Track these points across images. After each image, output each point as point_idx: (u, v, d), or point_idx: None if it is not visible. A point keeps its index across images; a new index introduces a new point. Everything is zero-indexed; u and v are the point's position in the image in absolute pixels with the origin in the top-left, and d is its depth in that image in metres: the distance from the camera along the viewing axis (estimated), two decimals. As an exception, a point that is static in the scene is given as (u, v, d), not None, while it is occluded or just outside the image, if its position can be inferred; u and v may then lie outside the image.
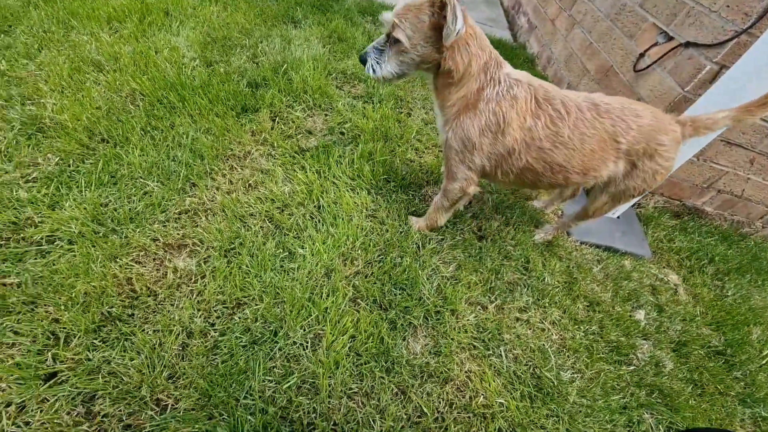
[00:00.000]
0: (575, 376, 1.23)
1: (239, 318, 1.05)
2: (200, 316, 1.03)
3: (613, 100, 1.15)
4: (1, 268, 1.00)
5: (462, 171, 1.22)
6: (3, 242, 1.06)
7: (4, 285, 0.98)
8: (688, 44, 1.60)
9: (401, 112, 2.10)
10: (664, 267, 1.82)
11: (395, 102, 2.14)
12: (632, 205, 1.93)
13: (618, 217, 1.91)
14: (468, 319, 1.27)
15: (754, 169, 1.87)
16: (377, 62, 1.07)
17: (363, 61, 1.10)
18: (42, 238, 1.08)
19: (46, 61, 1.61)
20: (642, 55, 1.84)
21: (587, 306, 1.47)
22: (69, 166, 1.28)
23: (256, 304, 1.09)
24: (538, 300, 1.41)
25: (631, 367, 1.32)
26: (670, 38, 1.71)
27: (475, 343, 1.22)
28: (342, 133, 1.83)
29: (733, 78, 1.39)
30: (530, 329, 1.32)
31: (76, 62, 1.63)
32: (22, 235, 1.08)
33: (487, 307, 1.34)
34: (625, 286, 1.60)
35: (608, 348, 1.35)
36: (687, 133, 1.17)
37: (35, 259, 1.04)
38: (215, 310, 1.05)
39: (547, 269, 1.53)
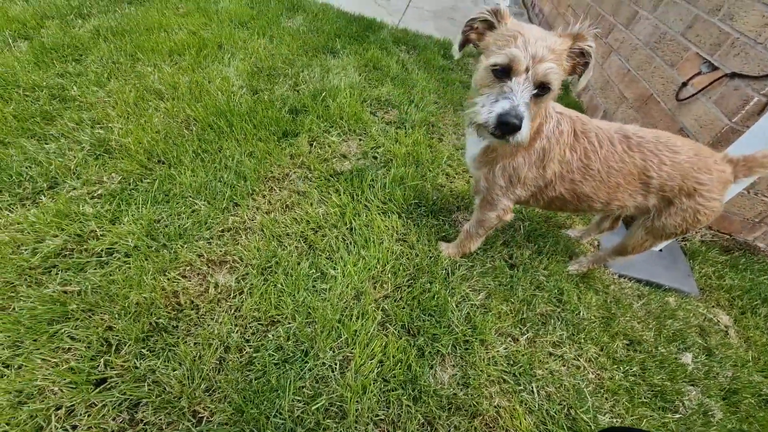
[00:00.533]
0: (614, 420, 1.15)
1: (273, 335, 1.09)
2: (237, 332, 1.07)
3: (648, 133, 1.12)
4: (64, 277, 1.10)
5: (503, 202, 1.21)
6: (68, 252, 1.17)
7: (66, 292, 1.07)
8: (734, 75, 1.55)
9: (433, 138, 2.14)
10: (713, 306, 1.69)
11: (427, 128, 2.19)
12: (676, 239, 1.83)
13: (660, 251, 1.81)
14: (498, 351, 1.24)
15: (816, 204, 1.73)
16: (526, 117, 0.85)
17: (519, 121, 0.83)
18: (102, 250, 1.19)
19: (115, 89, 1.81)
20: (685, 84, 1.79)
21: (627, 344, 1.39)
22: (129, 184, 1.40)
23: (289, 323, 1.13)
24: (573, 335, 1.35)
25: (677, 415, 1.22)
26: (715, 68, 1.67)
27: (505, 377, 1.19)
28: (375, 158, 1.89)
29: (786, 110, 1.33)
30: (564, 366, 1.27)
31: (140, 91, 1.82)
32: (85, 246, 1.19)
33: (518, 339, 1.30)
34: (669, 325, 1.51)
35: (651, 392, 1.26)
36: (741, 173, 1.11)
37: (95, 269, 1.14)
38: (251, 327, 1.10)
39: (582, 302, 1.47)
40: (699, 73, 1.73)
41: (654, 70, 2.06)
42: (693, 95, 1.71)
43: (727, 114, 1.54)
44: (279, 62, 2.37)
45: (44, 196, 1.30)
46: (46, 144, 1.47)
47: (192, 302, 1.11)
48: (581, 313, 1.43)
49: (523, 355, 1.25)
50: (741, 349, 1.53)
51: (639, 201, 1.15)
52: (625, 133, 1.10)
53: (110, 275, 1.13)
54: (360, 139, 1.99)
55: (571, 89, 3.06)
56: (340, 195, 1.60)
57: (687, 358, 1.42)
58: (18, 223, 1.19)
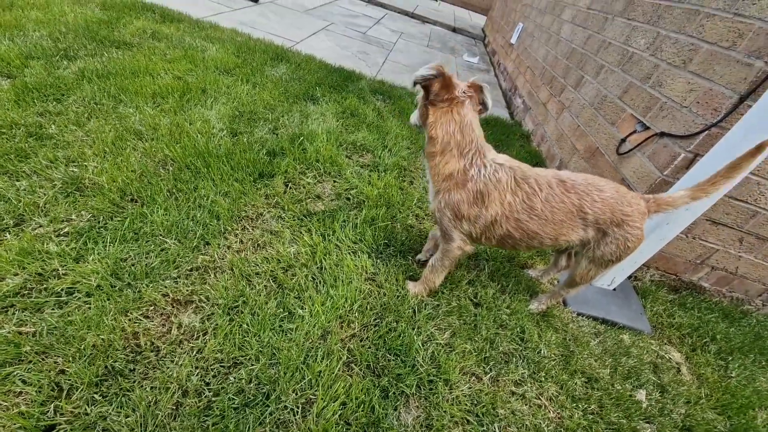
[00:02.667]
0: (573, 460, 1.17)
1: (234, 378, 1.08)
2: (197, 375, 1.06)
3: (578, 177, 1.33)
4: (21, 317, 1.07)
5: (456, 234, 1.36)
6: (27, 292, 1.14)
7: (21, 333, 1.04)
8: (663, 134, 1.78)
9: (404, 181, 2.27)
10: (665, 343, 1.80)
11: (399, 171, 2.32)
12: (628, 278, 1.97)
13: (614, 290, 1.94)
14: (462, 390, 1.27)
15: (744, 248, 1.93)
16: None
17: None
18: (63, 290, 1.17)
19: (94, 128, 1.85)
20: (623, 141, 2.03)
21: (585, 382, 1.45)
22: (99, 222, 1.41)
23: (252, 364, 1.12)
24: (534, 373, 1.40)
25: (634, 454, 1.26)
26: (647, 127, 1.91)
27: (468, 417, 1.20)
28: (348, 199, 1.98)
29: (706, 165, 1.53)
30: (526, 405, 1.30)
31: (120, 131, 1.87)
32: (45, 285, 1.17)
33: (481, 378, 1.33)
34: (624, 362, 1.58)
35: (609, 430, 1.31)
36: (651, 208, 1.34)
37: (53, 309, 1.12)
38: (212, 369, 1.08)
39: (543, 341, 1.54)
40: (634, 132, 1.98)
41: (599, 127, 2.33)
42: (630, 150, 1.94)
43: (659, 167, 1.75)
44: (260, 107, 2.50)
45: (9, 234, 1.29)
46: (17, 181, 1.47)
47: (152, 344, 1.09)
48: (542, 351, 1.49)
49: (486, 395, 1.28)
50: (693, 386, 1.61)
51: (581, 234, 1.33)
52: (560, 178, 1.30)
53: (68, 315, 1.10)
54: (334, 181, 2.08)
55: (532, 139, 3.35)
56: (311, 235, 1.66)
57: (641, 395, 1.48)
58: (-24, 261, 1.16)
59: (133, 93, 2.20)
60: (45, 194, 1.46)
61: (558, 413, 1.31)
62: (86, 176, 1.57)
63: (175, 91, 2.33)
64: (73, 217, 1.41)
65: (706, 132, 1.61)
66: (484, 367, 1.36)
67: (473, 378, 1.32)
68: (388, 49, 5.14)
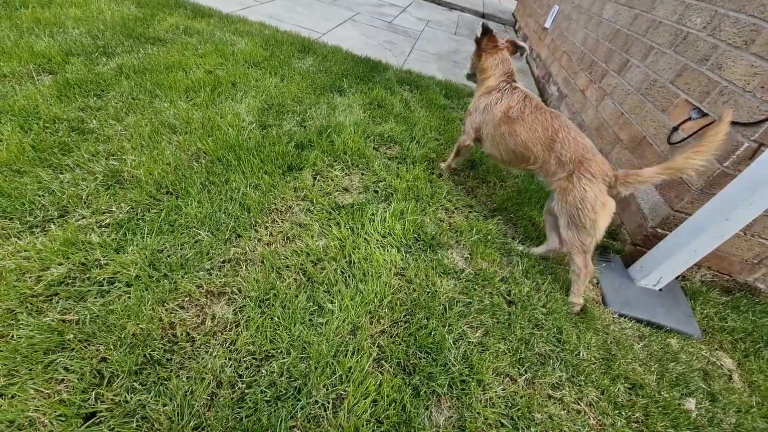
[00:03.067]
0: (617, 471, 1.10)
1: (266, 371, 1.08)
2: (231, 366, 1.07)
3: (573, 126, 1.65)
4: (65, 305, 1.12)
5: (468, 124, 1.97)
6: (71, 281, 1.19)
7: (64, 321, 1.08)
8: (723, 121, 1.61)
9: (433, 173, 2.20)
10: (716, 349, 1.66)
11: (428, 164, 2.26)
12: (676, 278, 1.82)
13: (660, 290, 1.80)
14: (496, 392, 1.22)
15: (813, 247, 1.73)
16: None
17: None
18: (104, 279, 1.21)
19: (132, 123, 1.91)
20: (676, 129, 1.86)
21: (629, 388, 1.36)
22: (137, 214, 1.45)
23: (284, 358, 1.12)
24: (573, 377, 1.33)
25: (684, 468, 1.17)
26: (704, 114, 1.74)
27: (503, 420, 1.15)
28: (376, 191, 1.95)
29: (774, 156, 1.37)
30: (564, 410, 1.23)
31: (155, 125, 1.91)
32: (88, 275, 1.22)
33: (516, 380, 1.27)
34: (672, 368, 1.47)
35: (655, 441, 1.22)
36: (619, 177, 1.47)
37: (95, 298, 1.16)
38: (245, 361, 1.09)
39: (582, 342, 1.45)
40: (689, 119, 1.81)
41: (646, 114, 2.15)
42: (684, 140, 1.77)
43: (718, 158, 1.59)
44: (288, 100, 2.50)
45: (54, 225, 1.35)
46: (61, 174, 1.54)
47: (188, 334, 1.11)
48: (581, 354, 1.41)
49: (521, 397, 1.22)
50: (744, 394, 1.48)
51: (546, 155, 1.62)
52: (557, 114, 1.69)
53: (110, 305, 1.14)
54: (362, 174, 2.05)
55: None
56: (340, 228, 1.64)
57: (690, 403, 1.37)
58: (25, 251, 1.22)
59: (167, 88, 2.25)
60: (87, 186, 1.52)
61: (599, 420, 1.24)
62: (125, 169, 1.62)
63: (206, 85, 2.36)
64: (114, 208, 1.46)
65: (774, 119, 1.44)
66: (518, 369, 1.30)
67: (507, 379, 1.27)
68: (415, 37, 5.02)
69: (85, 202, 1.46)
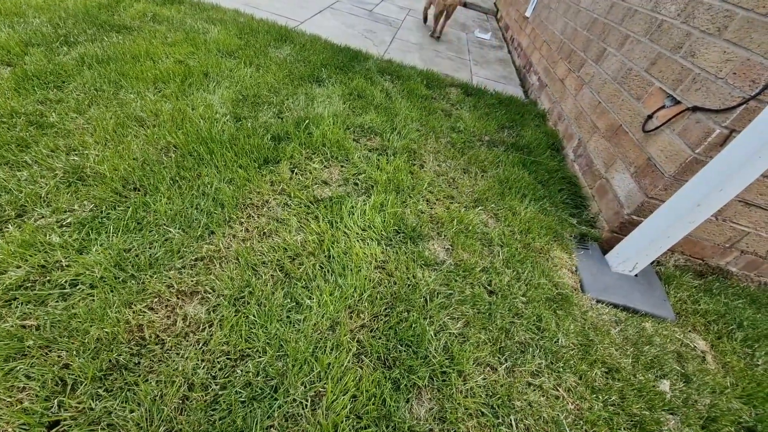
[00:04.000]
0: (594, 454, 1.13)
1: (241, 371, 1.05)
2: (203, 368, 1.03)
3: None
4: (24, 310, 1.05)
5: None
6: (30, 284, 1.12)
7: (24, 327, 1.02)
8: (695, 108, 1.64)
9: (414, 165, 2.18)
10: (689, 331, 1.71)
11: (409, 155, 2.23)
12: (651, 263, 1.87)
13: (636, 276, 1.85)
14: (476, 381, 1.22)
15: (779, 230, 1.80)
16: None
17: None
18: (66, 282, 1.15)
19: (95, 116, 1.80)
20: (650, 117, 1.89)
21: (606, 372, 1.39)
22: (101, 212, 1.37)
23: (260, 357, 1.09)
24: (552, 363, 1.34)
25: (658, 447, 1.20)
26: (677, 102, 1.76)
27: (483, 410, 1.16)
28: (356, 184, 1.91)
29: (743, 141, 1.40)
30: (543, 396, 1.25)
31: (121, 118, 1.82)
32: (48, 278, 1.15)
33: (497, 369, 1.28)
34: (647, 351, 1.51)
35: (631, 422, 1.25)
36: None
37: (56, 302, 1.10)
38: (219, 362, 1.06)
39: (561, 330, 1.47)
40: (663, 107, 1.83)
41: (622, 103, 2.18)
42: (658, 127, 1.80)
43: (691, 145, 1.62)
44: (264, 90, 2.42)
45: (11, 225, 1.26)
46: (18, 171, 1.44)
47: (157, 336, 1.07)
48: (560, 341, 1.43)
49: (501, 386, 1.23)
50: (719, 375, 1.53)
51: None
52: None
53: (72, 308, 1.08)
54: (342, 166, 2.01)
55: (548, 118, 3.19)
56: (319, 222, 1.60)
57: (665, 385, 1.42)
58: (-22, 254, 1.14)
59: (133, 78, 2.14)
60: (47, 184, 1.43)
61: (577, 405, 1.26)
62: (87, 165, 1.53)
63: (176, 76, 2.26)
64: (76, 207, 1.38)
65: (744, 106, 1.47)
66: (499, 358, 1.31)
67: (488, 369, 1.27)
68: (396, 27, 4.94)
69: (44, 201, 1.38)
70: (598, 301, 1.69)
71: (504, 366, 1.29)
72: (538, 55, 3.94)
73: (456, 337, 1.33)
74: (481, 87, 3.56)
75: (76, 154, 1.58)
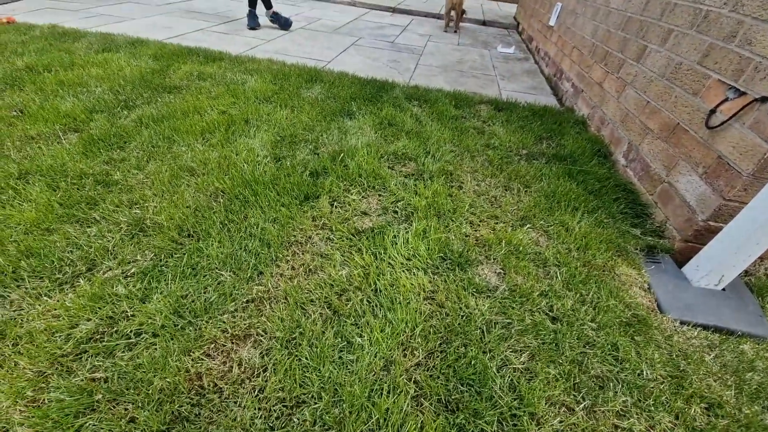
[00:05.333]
0: None
1: (297, 419, 1.01)
2: (260, 417, 1.00)
3: None
4: (94, 363, 1.10)
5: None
6: (99, 336, 1.18)
7: (94, 380, 1.06)
8: (765, 99, 1.47)
9: (452, 186, 2.13)
10: (800, 352, 1.45)
11: (446, 177, 2.19)
12: (739, 275, 1.63)
13: (724, 290, 1.62)
14: (552, 425, 1.09)
15: None
16: None
17: None
18: (131, 332, 1.19)
19: (152, 170, 1.96)
20: (713, 112, 1.71)
21: (706, 409, 1.19)
22: (160, 261, 1.45)
23: (315, 403, 1.05)
24: (640, 401, 1.17)
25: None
26: (742, 93, 1.59)
27: (564, 459, 1.02)
28: (396, 212, 1.88)
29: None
30: (635, 441, 1.08)
31: (174, 170, 1.95)
32: (115, 328, 1.20)
33: (574, 410, 1.14)
34: (750, 379, 1.29)
35: (749, 472, 1.04)
36: None
37: (123, 352, 1.14)
38: (275, 410, 1.03)
39: (643, 359, 1.30)
40: (726, 100, 1.66)
41: (676, 100, 2.01)
42: (725, 122, 1.62)
43: (767, 139, 1.43)
44: (300, 129, 2.52)
45: (82, 279, 1.36)
46: (88, 228, 1.57)
47: (215, 384, 1.06)
48: (644, 373, 1.25)
49: (583, 430, 1.08)
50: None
51: None
52: None
53: (137, 358, 1.12)
54: (380, 195, 2.00)
55: (589, 124, 3.02)
56: (362, 255, 1.58)
57: (783, 422, 1.18)
58: (55, 309, 1.23)
59: (184, 132, 2.31)
60: (113, 238, 1.54)
61: (678, 451, 1.08)
62: (147, 216, 1.64)
63: (221, 125, 2.42)
64: (138, 257, 1.47)
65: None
66: (575, 396, 1.17)
67: (564, 410, 1.13)
68: (419, 54, 5.05)
69: (111, 253, 1.48)
70: (682, 323, 1.48)
71: (582, 405, 1.14)
72: (568, 61, 3.82)
73: (522, 372, 1.21)
74: (511, 100, 3.49)
75: (137, 207, 1.70)
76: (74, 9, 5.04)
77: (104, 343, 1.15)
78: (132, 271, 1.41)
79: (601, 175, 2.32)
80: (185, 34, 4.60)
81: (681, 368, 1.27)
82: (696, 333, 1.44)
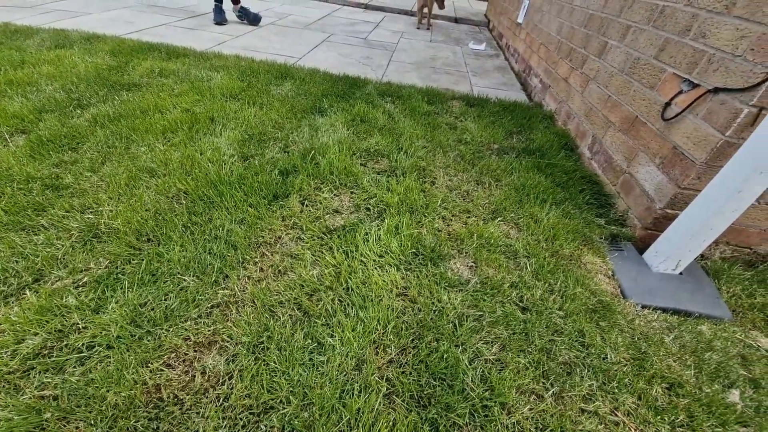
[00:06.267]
0: (671, 490, 0.98)
1: (265, 426, 0.97)
2: (225, 426, 0.96)
3: None
4: (42, 380, 1.02)
5: None
6: (47, 351, 1.10)
7: (42, 398, 0.99)
8: (717, 90, 1.54)
9: (425, 182, 2.13)
10: (750, 329, 1.55)
11: (418, 173, 2.18)
12: (695, 259, 1.72)
13: (681, 274, 1.70)
14: (523, 413, 1.10)
15: (835, 207, 1.63)
16: None
17: None
18: (83, 345, 1.12)
19: (108, 172, 1.84)
20: (668, 104, 1.79)
21: (667, 389, 1.24)
22: (116, 268, 1.36)
23: (284, 408, 1.01)
24: (604, 384, 1.21)
25: (744, 474, 1.04)
26: (696, 85, 1.67)
27: (534, 446, 1.04)
28: (368, 209, 1.86)
29: (778, 118, 1.29)
30: (602, 424, 1.11)
31: (133, 171, 1.85)
32: (65, 342, 1.12)
33: (543, 397, 1.16)
34: (709, 359, 1.36)
35: (707, 446, 1.10)
36: None
37: (74, 367, 1.06)
38: (241, 418, 0.99)
39: (608, 343, 1.34)
40: (680, 92, 1.74)
41: (634, 94, 2.08)
42: (679, 114, 1.70)
43: (719, 128, 1.51)
44: (269, 127, 2.45)
45: (28, 291, 1.26)
46: (35, 235, 1.46)
47: (175, 396, 1.01)
48: (609, 357, 1.29)
49: (551, 416, 1.11)
50: (790, 375, 1.36)
51: None
52: None
53: (89, 373, 1.05)
54: (352, 192, 1.97)
55: (556, 119, 3.11)
56: (334, 253, 1.55)
57: (734, 395, 1.25)
58: (-2, 324, 1.13)
59: (143, 132, 2.20)
60: (62, 245, 1.44)
61: (641, 430, 1.12)
62: (102, 221, 1.54)
63: (183, 124, 2.31)
64: (92, 265, 1.38)
65: (770, 80, 1.36)
66: (544, 383, 1.19)
67: (534, 397, 1.15)
68: (391, 50, 5.04)
69: (61, 263, 1.38)
70: (643, 307, 1.54)
71: (551, 392, 1.17)
72: (536, 57, 3.91)
73: (493, 363, 1.22)
74: (482, 96, 3.53)
75: (90, 212, 1.60)
76: (29, 5, 4.70)
77: (53, 359, 1.07)
78: (84, 280, 1.32)
79: (568, 168, 2.38)
80: (147, 29, 4.38)
81: (642, 350, 1.33)
82: (656, 316, 1.50)
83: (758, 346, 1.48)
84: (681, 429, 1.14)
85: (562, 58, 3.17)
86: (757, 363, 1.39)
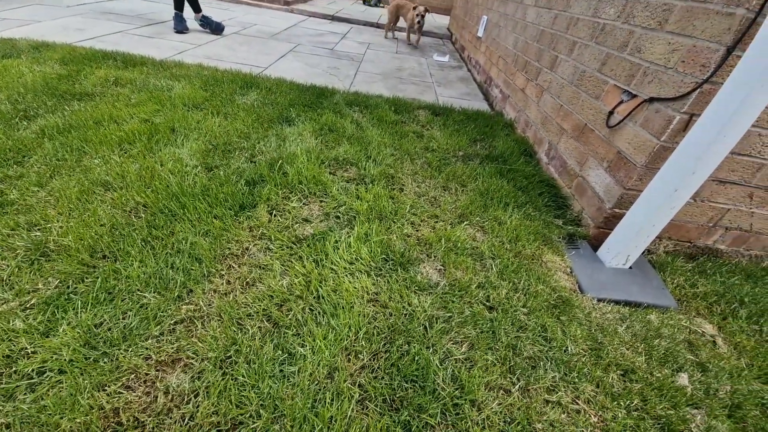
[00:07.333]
0: (628, 469, 1.05)
1: (235, 442, 0.95)
2: (192, 446, 0.93)
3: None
4: (-17, 412, 0.94)
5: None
6: (-10, 381, 1.01)
7: (-15, 432, 0.91)
8: (652, 99, 1.70)
9: (393, 189, 2.17)
10: (694, 316, 1.69)
11: (387, 180, 2.22)
12: (642, 253, 1.86)
13: (630, 268, 1.83)
14: (492, 408, 1.14)
15: (755, 203, 1.84)
16: None
17: None
18: (33, 370, 1.04)
19: (57, 187, 1.73)
20: (611, 113, 1.95)
21: (622, 375, 1.33)
22: (68, 287, 1.28)
23: (254, 422, 0.99)
24: (566, 375, 1.28)
25: (691, 449, 1.14)
26: (634, 95, 1.83)
27: (503, 439, 1.07)
28: (338, 217, 1.87)
29: (705, 124, 1.44)
30: (564, 413, 1.18)
31: (85, 185, 1.75)
32: (14, 368, 1.04)
33: (510, 391, 1.21)
34: (658, 345, 1.47)
35: (658, 426, 1.19)
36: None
37: (24, 395, 0.98)
38: (209, 436, 0.95)
39: (568, 336, 1.42)
40: (621, 102, 1.90)
41: (583, 103, 2.25)
42: (621, 121, 1.86)
43: (655, 134, 1.66)
44: (234, 137, 2.41)
45: (-34, 317, 1.16)
46: (-26, 256, 1.35)
47: (135, 419, 0.96)
48: (569, 349, 1.37)
49: (518, 409, 1.15)
50: (733, 358, 1.50)
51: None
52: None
53: (41, 400, 0.97)
54: (321, 201, 1.97)
55: (516, 126, 3.28)
56: (303, 262, 1.54)
57: (683, 378, 1.36)
58: (-73, 356, 1.03)
59: (97, 143, 2.09)
60: (8, 266, 1.33)
61: (600, 416, 1.19)
62: (51, 239, 1.45)
63: (142, 135, 2.22)
64: (40, 285, 1.28)
65: (698, 90, 1.53)
66: (510, 378, 1.24)
67: (502, 392, 1.20)
68: (358, 61, 5.11)
69: (6, 284, 1.28)
70: (599, 300, 1.65)
71: (517, 386, 1.22)
72: (496, 69, 4.11)
73: (463, 362, 1.26)
74: (447, 106, 3.66)
75: (38, 229, 1.49)
76: (-40, 8, 4.35)
77: (2, 386, 0.99)
78: (32, 302, 1.23)
79: (528, 173, 2.52)
80: (101, 36, 4.18)
81: (599, 341, 1.42)
82: (610, 308, 1.61)
83: (703, 331, 1.62)
84: (636, 413, 1.22)
85: (519, 70, 3.37)
86: (703, 348, 1.51)
